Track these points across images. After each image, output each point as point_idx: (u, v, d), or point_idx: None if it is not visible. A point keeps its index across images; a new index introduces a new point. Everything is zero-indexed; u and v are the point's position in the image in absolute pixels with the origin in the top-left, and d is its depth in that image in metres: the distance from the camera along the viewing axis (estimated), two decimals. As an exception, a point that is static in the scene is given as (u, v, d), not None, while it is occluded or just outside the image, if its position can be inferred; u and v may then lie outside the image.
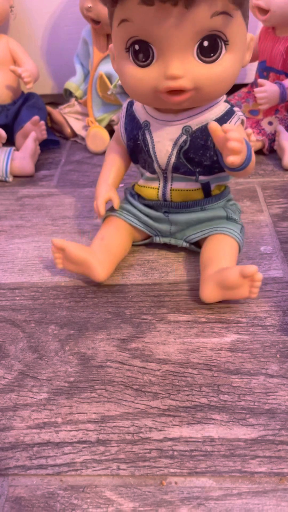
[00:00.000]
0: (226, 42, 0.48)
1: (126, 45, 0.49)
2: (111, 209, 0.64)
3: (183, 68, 0.47)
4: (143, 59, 0.49)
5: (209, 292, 0.54)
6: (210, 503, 0.39)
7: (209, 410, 0.45)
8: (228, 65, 0.49)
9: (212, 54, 0.48)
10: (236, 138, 0.47)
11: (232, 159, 0.48)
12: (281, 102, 0.81)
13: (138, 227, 0.63)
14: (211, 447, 0.42)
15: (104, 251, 0.60)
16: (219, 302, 0.57)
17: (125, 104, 0.61)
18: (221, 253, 0.58)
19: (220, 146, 0.49)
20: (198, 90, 0.49)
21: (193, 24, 0.45)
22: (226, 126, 0.47)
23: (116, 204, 0.62)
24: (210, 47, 0.47)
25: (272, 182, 0.80)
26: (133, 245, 0.66)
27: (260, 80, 0.81)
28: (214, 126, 0.48)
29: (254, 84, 0.92)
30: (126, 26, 0.47)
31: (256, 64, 0.93)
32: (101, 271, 0.58)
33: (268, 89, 0.79)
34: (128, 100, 0.60)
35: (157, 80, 0.49)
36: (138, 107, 0.58)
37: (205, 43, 0.47)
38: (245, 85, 0.98)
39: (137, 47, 0.48)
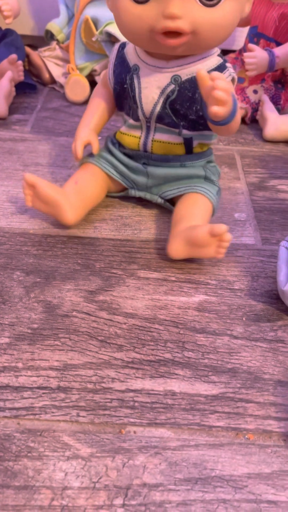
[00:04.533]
0: None
1: None
2: (89, 156, 0.62)
3: (183, 8, 0.45)
4: None
5: (176, 247, 0.54)
6: (167, 452, 0.39)
7: (173, 365, 0.45)
8: (228, 11, 0.47)
9: None
10: (223, 87, 0.45)
11: (216, 109, 0.46)
12: (269, 71, 0.80)
13: (114, 177, 0.62)
14: (172, 401, 0.43)
15: (76, 195, 0.58)
16: (190, 262, 0.57)
17: (116, 46, 0.58)
18: (194, 211, 0.57)
19: (205, 95, 0.47)
20: (196, 34, 0.47)
21: None
22: (215, 74, 0.46)
23: (95, 149, 0.60)
24: None
25: (251, 152, 0.79)
26: (107, 197, 0.64)
27: (250, 45, 0.79)
28: (202, 73, 0.46)
29: (243, 50, 0.90)
30: None
31: (246, 30, 0.90)
32: (70, 214, 0.57)
33: (258, 55, 0.78)
34: (121, 42, 0.58)
35: (155, 19, 0.46)
36: (129, 50, 0.56)
37: None
38: (233, 51, 0.95)
39: None
